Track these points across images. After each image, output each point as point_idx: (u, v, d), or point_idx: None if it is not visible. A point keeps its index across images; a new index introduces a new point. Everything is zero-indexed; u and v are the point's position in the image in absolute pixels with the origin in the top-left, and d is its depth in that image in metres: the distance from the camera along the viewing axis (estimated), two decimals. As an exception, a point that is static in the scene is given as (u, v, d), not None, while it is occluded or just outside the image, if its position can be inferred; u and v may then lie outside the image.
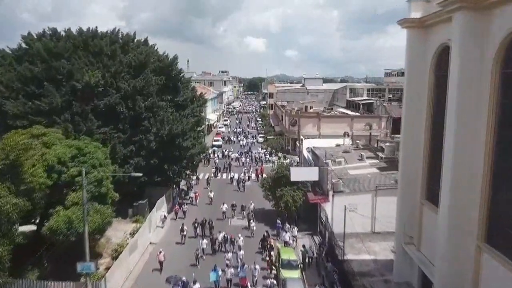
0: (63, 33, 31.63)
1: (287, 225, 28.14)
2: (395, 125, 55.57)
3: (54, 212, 18.92)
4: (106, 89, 28.87)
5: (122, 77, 29.88)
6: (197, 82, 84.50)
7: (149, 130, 29.77)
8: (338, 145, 41.51)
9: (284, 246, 25.59)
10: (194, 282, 20.00)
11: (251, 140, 68.96)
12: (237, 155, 54.67)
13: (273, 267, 23.41)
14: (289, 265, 22.14)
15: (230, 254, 23.77)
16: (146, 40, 34.86)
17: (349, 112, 66.30)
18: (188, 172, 36.39)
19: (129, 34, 33.70)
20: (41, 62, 28.38)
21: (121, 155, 28.58)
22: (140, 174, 21.27)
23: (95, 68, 28.99)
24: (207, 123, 64.99)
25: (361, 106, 69.98)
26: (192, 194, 36.73)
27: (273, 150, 57.33)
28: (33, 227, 22.32)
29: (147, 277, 22.84)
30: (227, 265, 22.27)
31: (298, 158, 46.45)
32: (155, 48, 34.77)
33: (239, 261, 23.09)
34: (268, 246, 25.27)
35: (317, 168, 30.54)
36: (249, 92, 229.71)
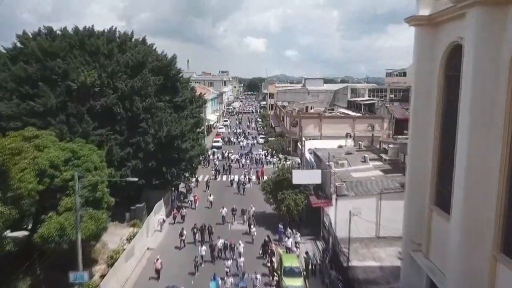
0: (59, 32, 30.83)
1: (289, 230, 27.31)
2: (398, 126, 54.86)
3: (47, 218, 18.07)
4: (103, 90, 28.08)
5: (119, 77, 29.10)
6: (197, 82, 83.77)
7: (147, 131, 28.99)
8: (340, 147, 40.68)
9: (286, 252, 24.76)
10: None
11: (252, 141, 68.17)
12: (237, 156, 53.84)
13: (275, 274, 22.59)
14: (291, 273, 21.32)
15: (230, 262, 22.95)
16: (144, 39, 34.07)
17: (350, 112, 65.53)
18: (187, 174, 35.59)
19: (126, 33, 32.91)
20: (35, 61, 27.61)
21: (118, 157, 27.82)
22: (136, 179, 20.46)
23: (91, 68, 28.20)
24: (206, 123, 64.23)
25: (362, 106, 69.17)
26: (191, 198, 35.88)
27: (274, 152, 56.52)
28: (26, 232, 21.51)
29: (144, 286, 22.02)
30: (226, 274, 21.47)
31: (299, 160, 45.61)
32: (153, 48, 34.00)
33: (239, 269, 22.26)
34: (269, 251, 24.49)
35: (320, 171, 29.72)
36: (249, 92, 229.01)
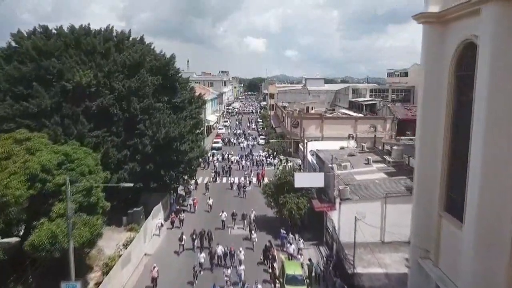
0: (54, 31, 30.04)
1: (291, 235, 26.48)
2: (400, 127, 54.16)
3: (38, 225, 17.23)
4: (99, 90, 27.30)
5: (116, 77, 28.34)
6: (197, 83, 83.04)
7: (144, 133, 28.22)
8: (342, 148, 39.91)
9: (289, 259, 23.91)
10: None
11: (252, 142, 67.31)
12: (237, 158, 52.98)
13: (277, 281, 21.78)
14: (294, 281, 20.51)
15: (229, 271, 22.06)
16: (142, 38, 33.29)
17: (351, 113, 64.76)
18: (186, 177, 34.78)
19: (123, 32, 32.12)
20: (30, 61, 26.83)
21: (115, 160, 27.05)
22: (131, 185, 19.58)
23: (87, 68, 27.43)
24: (206, 124, 63.42)
25: (364, 107, 68.43)
26: (190, 201, 35.01)
27: (275, 153, 55.70)
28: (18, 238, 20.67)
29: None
30: (226, 283, 20.63)
31: (300, 162, 44.80)
32: (152, 47, 33.20)
33: (240, 277, 21.43)
34: (271, 256, 23.68)
35: (322, 174, 28.91)
36: (249, 93, 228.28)
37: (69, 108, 26.24)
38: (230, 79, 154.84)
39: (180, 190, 37.24)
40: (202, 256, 23.55)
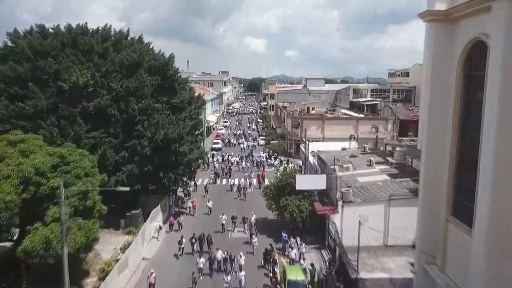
0: (51, 30, 29.47)
1: (292, 239, 25.90)
2: (402, 127, 53.64)
3: (32, 230, 16.67)
4: (96, 90, 26.72)
5: (114, 77, 27.76)
6: (197, 83, 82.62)
7: (143, 134, 27.66)
8: (344, 149, 39.34)
9: (290, 263, 23.33)
10: None
11: (252, 143, 66.74)
12: (237, 159, 52.41)
13: (278, 287, 21.21)
14: (296, 286, 19.91)
15: (229, 277, 21.47)
16: (140, 38, 32.71)
17: (352, 113, 64.22)
18: (185, 179, 34.21)
19: (122, 31, 31.53)
20: (26, 61, 26.27)
21: (113, 161, 26.47)
22: (127, 189, 18.97)
23: (84, 68, 26.85)
24: (206, 125, 62.86)
25: (365, 107, 67.89)
26: (189, 204, 34.42)
27: (275, 154, 55.14)
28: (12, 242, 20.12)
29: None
30: (226, 291, 20.07)
31: (301, 163, 44.23)
32: (150, 46, 32.63)
33: (240, 284, 20.86)
34: (272, 260, 23.11)
35: (324, 176, 28.34)
36: (249, 93, 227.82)
37: (66, 109, 25.66)
38: (230, 79, 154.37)
39: (179, 192, 36.66)
40: (202, 261, 22.95)
